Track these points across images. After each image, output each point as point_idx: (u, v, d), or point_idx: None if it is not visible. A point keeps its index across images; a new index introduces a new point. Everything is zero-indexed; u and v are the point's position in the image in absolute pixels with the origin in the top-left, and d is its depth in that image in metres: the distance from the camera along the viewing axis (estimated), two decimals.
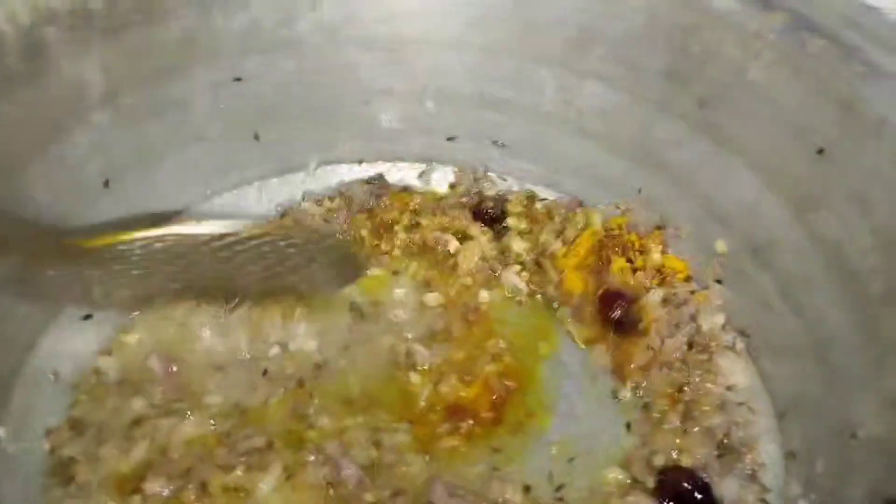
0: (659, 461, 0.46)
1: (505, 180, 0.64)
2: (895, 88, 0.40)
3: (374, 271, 0.57)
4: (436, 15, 0.56)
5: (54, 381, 0.50)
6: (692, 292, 0.52)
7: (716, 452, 0.47)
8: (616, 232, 0.55)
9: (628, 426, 0.49)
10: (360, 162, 0.64)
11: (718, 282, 0.54)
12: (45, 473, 0.46)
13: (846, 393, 0.41)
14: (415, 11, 0.57)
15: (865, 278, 0.41)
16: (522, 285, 0.57)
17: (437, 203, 0.62)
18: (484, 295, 0.57)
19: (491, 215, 0.60)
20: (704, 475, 0.45)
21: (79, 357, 0.51)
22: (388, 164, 0.65)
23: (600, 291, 0.52)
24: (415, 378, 0.52)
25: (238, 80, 0.57)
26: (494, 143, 0.63)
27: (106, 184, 0.53)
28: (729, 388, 0.50)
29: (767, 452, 0.48)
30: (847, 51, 0.43)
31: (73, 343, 0.52)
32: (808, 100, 0.44)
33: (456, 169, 0.64)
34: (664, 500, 0.44)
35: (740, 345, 0.51)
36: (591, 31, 0.53)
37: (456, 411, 0.50)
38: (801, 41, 0.45)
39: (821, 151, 0.44)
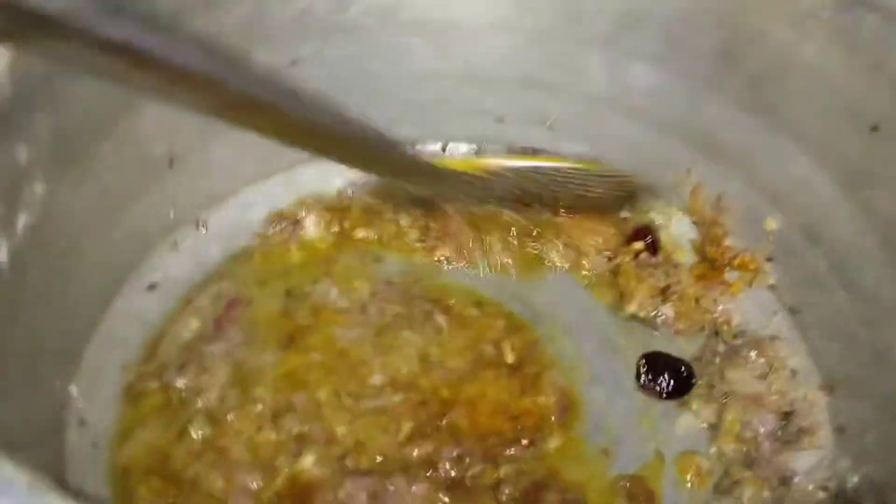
0: None
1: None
2: None
3: None
4: None
5: None
6: None
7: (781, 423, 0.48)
8: None
9: None
10: (414, 143, 0.66)
11: (769, 259, 0.55)
12: None
13: (892, 371, 0.41)
14: None
15: None
16: None
17: None
18: None
19: None
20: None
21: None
22: (440, 144, 0.66)
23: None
24: None
25: (294, 63, 0.58)
26: (543, 124, 0.64)
27: (172, 160, 0.55)
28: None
29: (819, 426, 0.48)
30: None
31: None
32: (861, 77, 0.44)
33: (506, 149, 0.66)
34: None
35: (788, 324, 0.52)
36: (638, 11, 0.54)
37: None
38: (855, 18, 0.44)
39: (875, 128, 0.44)
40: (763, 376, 0.49)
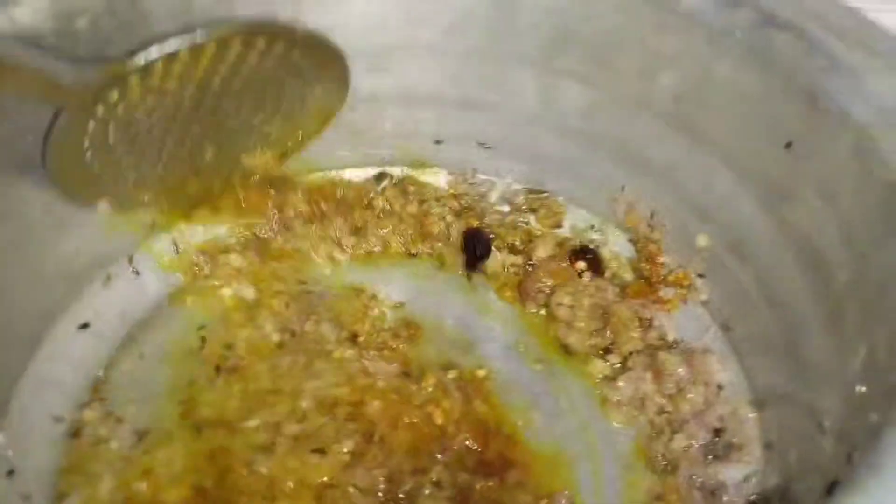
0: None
1: (494, 181, 0.65)
2: (855, 81, 0.41)
3: None
4: (415, 22, 0.57)
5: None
6: None
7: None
8: None
9: None
10: (351, 167, 0.66)
11: (701, 276, 0.55)
12: None
13: (814, 383, 0.41)
14: (395, 20, 0.58)
15: (832, 269, 0.41)
16: None
17: None
18: None
19: None
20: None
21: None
22: (378, 169, 0.66)
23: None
24: None
25: None
26: (481, 144, 0.64)
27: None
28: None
29: (749, 441, 0.48)
30: (811, 45, 0.43)
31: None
32: (775, 94, 0.45)
33: (447, 171, 0.66)
34: None
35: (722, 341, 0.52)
36: (565, 32, 0.54)
37: None
38: (766, 37, 0.45)
39: (789, 145, 0.44)
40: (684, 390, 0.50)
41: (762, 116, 0.46)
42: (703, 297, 0.55)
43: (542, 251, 0.60)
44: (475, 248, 0.60)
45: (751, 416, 0.48)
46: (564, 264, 0.59)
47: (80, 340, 0.55)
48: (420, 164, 0.66)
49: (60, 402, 0.52)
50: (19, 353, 0.51)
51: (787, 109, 0.44)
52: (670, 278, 0.55)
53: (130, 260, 0.58)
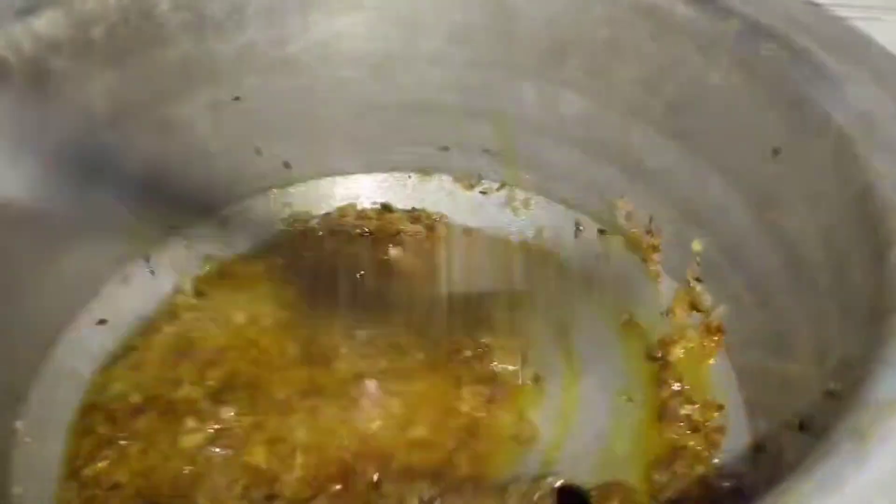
0: None
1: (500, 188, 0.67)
2: (837, 88, 0.41)
3: None
4: (417, 32, 0.59)
5: None
6: None
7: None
8: None
9: None
10: (358, 173, 0.68)
11: (698, 280, 0.56)
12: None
13: (797, 385, 0.42)
14: (397, 30, 0.59)
15: (814, 272, 0.42)
16: None
17: None
18: None
19: None
20: None
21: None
22: (385, 175, 0.68)
23: None
24: None
25: (237, 99, 0.60)
26: (485, 151, 0.65)
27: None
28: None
29: (741, 445, 0.49)
30: (796, 53, 0.44)
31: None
32: (762, 102, 0.46)
33: (452, 178, 0.67)
34: None
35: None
36: (562, 42, 0.55)
37: None
38: (754, 45, 0.46)
39: (776, 152, 0.45)
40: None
41: (750, 124, 0.47)
42: (708, 303, 0.55)
43: None
44: None
45: (745, 420, 0.49)
46: None
47: (98, 335, 0.57)
48: (426, 171, 0.68)
49: (77, 394, 0.54)
50: (39, 346, 0.54)
51: (774, 117, 0.45)
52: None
53: (147, 260, 0.61)
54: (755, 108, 0.46)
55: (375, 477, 0.48)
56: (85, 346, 0.56)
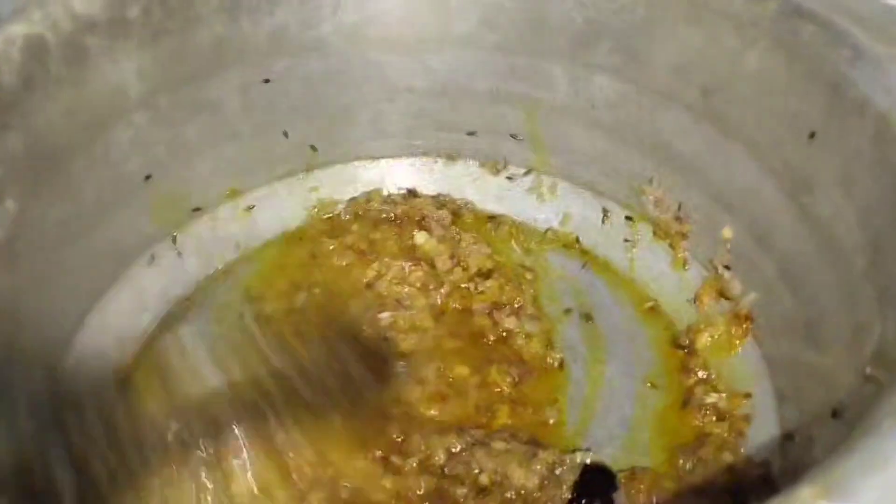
0: None
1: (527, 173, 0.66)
2: (877, 70, 0.41)
3: None
4: (450, 15, 0.59)
5: None
6: None
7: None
8: None
9: None
10: (387, 157, 0.68)
11: (727, 268, 0.55)
12: None
13: (830, 371, 0.41)
14: (429, 12, 0.59)
15: (850, 256, 0.41)
16: None
17: None
18: None
19: None
20: None
21: None
22: (413, 159, 0.68)
23: None
24: None
25: (267, 81, 0.60)
26: (513, 136, 0.65)
27: (147, 178, 0.58)
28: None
29: (769, 434, 0.48)
30: (836, 35, 0.43)
31: None
32: (800, 85, 0.45)
33: (478, 163, 0.67)
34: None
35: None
36: (596, 25, 0.55)
37: None
38: (793, 27, 0.45)
39: (812, 135, 0.44)
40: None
41: (787, 107, 0.46)
42: (736, 291, 0.54)
43: None
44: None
45: (773, 405, 0.48)
46: None
47: (126, 313, 0.57)
48: (453, 156, 0.67)
49: (105, 373, 0.55)
50: (68, 325, 0.54)
51: (811, 100, 0.44)
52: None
53: (174, 241, 0.61)
54: (792, 90, 0.46)
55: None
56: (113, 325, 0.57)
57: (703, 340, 0.55)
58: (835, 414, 0.39)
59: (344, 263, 0.62)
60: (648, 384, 0.54)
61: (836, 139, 0.43)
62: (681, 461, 0.49)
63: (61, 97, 0.49)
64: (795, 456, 0.45)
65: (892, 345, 0.34)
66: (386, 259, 0.61)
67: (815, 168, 0.44)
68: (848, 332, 0.40)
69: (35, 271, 0.50)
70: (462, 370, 0.54)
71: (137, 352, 0.56)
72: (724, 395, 0.52)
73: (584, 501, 0.46)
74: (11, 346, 0.47)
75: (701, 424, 0.51)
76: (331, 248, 0.63)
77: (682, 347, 0.55)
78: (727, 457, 0.49)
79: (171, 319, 0.58)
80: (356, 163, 0.68)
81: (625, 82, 0.57)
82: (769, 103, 0.48)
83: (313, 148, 0.66)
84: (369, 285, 0.60)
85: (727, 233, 0.53)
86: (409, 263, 0.61)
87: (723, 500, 0.46)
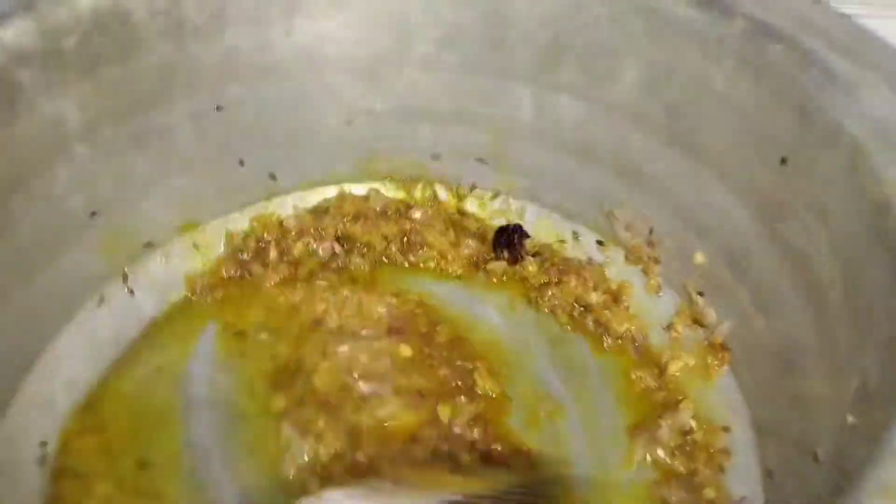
0: None
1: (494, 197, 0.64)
2: (849, 95, 0.39)
3: None
4: (409, 35, 0.57)
5: None
6: None
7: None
8: None
9: None
10: (348, 182, 0.65)
11: (701, 294, 0.53)
12: None
13: (810, 409, 0.40)
14: (387, 33, 0.57)
15: (826, 286, 0.39)
16: None
17: None
18: None
19: None
20: None
21: None
22: (378, 184, 0.65)
23: None
24: None
25: (219, 108, 0.58)
26: (479, 159, 0.63)
27: (93, 214, 0.55)
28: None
29: (749, 469, 0.46)
30: (804, 55, 0.41)
31: None
32: (769, 107, 0.43)
33: (444, 187, 0.65)
34: None
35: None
36: (559, 44, 0.53)
37: None
38: (760, 47, 0.43)
39: (783, 161, 0.43)
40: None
41: (756, 131, 0.44)
42: (711, 318, 0.52)
43: None
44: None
45: (752, 439, 0.47)
46: None
47: (76, 359, 0.54)
48: (418, 180, 0.65)
49: (50, 425, 0.51)
50: (11, 375, 0.51)
51: (781, 124, 0.43)
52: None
53: (125, 279, 0.58)
54: (761, 114, 0.44)
55: None
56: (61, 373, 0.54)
57: (678, 369, 0.53)
58: (816, 458, 0.37)
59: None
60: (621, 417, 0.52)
61: (809, 166, 0.41)
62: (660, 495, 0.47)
63: None
64: (777, 493, 0.43)
65: (873, 394, 0.32)
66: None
67: (788, 194, 0.43)
68: (826, 368, 0.38)
69: None
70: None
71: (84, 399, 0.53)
72: (700, 426, 0.50)
73: None
74: None
75: (678, 460, 0.49)
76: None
77: (657, 377, 0.53)
78: (708, 493, 0.47)
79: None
80: (319, 189, 0.65)
81: (591, 102, 0.55)
82: (737, 126, 0.46)
83: (272, 176, 0.63)
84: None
85: (700, 258, 0.52)
86: None
87: None
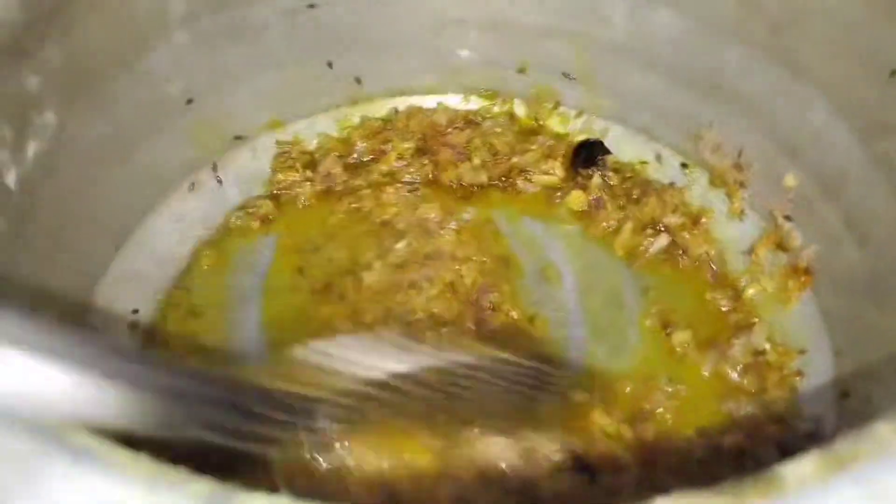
0: None
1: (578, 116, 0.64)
2: None
3: None
4: None
5: None
6: None
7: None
8: None
9: None
10: (434, 93, 0.65)
11: (788, 218, 0.52)
12: None
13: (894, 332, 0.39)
14: None
15: None
16: None
17: None
18: None
19: None
20: None
21: None
22: (460, 96, 0.66)
23: None
24: None
25: (312, 6, 0.58)
26: (564, 75, 0.62)
27: (189, 101, 0.56)
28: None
29: (822, 391, 0.46)
30: None
31: None
32: (880, 21, 0.42)
33: (525, 102, 0.65)
34: None
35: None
36: None
37: None
38: None
39: (893, 73, 0.41)
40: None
41: (865, 45, 0.43)
42: (796, 242, 0.51)
43: None
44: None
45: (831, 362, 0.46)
46: None
47: (166, 238, 0.57)
48: (502, 94, 0.65)
49: (141, 296, 0.54)
50: (107, 246, 0.54)
51: (892, 37, 0.41)
52: None
53: (214, 168, 0.60)
54: (871, 27, 0.42)
55: None
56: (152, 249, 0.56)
57: (756, 293, 0.52)
58: None
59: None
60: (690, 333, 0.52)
61: None
62: (727, 408, 0.47)
63: (105, 11, 0.48)
64: (851, 414, 0.43)
65: None
66: None
67: (894, 110, 0.41)
68: None
69: (76, 186, 0.49)
70: None
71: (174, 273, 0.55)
72: (775, 347, 0.50)
73: None
74: (53, 260, 0.47)
75: (751, 377, 0.49)
76: None
77: (734, 299, 0.53)
78: (776, 408, 0.47)
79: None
80: (401, 98, 0.65)
81: (689, 18, 0.53)
82: (844, 40, 0.44)
83: (358, 80, 0.63)
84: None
85: (790, 181, 0.51)
86: None
87: (768, 452, 0.44)
